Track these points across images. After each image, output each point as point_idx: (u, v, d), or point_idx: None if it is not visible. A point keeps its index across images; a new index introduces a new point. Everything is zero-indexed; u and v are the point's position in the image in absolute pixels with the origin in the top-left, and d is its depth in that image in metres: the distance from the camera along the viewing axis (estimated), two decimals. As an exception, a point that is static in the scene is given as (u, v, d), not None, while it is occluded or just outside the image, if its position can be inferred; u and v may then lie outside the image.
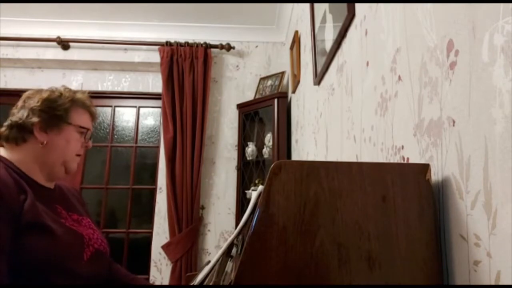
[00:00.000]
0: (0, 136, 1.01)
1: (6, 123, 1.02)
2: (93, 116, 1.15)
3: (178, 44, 2.95)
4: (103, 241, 1.06)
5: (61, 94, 1.06)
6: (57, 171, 1.04)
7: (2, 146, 1.01)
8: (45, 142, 1.00)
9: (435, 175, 0.63)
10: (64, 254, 0.90)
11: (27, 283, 0.84)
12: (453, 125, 0.58)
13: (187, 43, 2.96)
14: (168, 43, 2.95)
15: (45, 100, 1.02)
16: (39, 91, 1.06)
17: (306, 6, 2.00)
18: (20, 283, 0.83)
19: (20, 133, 0.99)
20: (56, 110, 1.03)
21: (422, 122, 0.69)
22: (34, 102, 1.01)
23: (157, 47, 2.97)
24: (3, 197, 0.83)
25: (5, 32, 2.98)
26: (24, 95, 1.05)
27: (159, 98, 3.03)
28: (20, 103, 1.04)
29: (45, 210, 0.93)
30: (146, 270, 2.91)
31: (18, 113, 1.01)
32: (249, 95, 3.09)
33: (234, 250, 0.75)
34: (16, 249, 0.83)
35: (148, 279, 2.87)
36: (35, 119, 0.99)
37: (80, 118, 1.08)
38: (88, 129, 1.10)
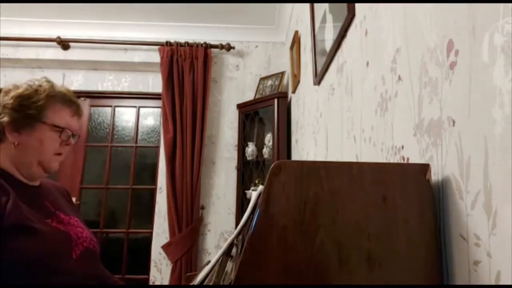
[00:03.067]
0: None
1: None
2: (75, 111, 1.06)
3: (178, 44, 2.95)
4: (92, 240, 1.03)
5: (37, 89, 0.99)
6: (35, 172, 0.99)
7: None
8: (16, 143, 0.95)
9: (435, 175, 0.63)
10: (51, 253, 0.88)
11: (15, 284, 0.83)
12: (453, 125, 0.58)
13: (187, 43, 2.96)
14: (168, 43, 2.95)
15: (18, 96, 0.96)
16: (17, 85, 1.00)
17: (306, 6, 2.00)
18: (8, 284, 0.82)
19: None
20: (28, 108, 0.96)
21: (422, 122, 0.69)
22: (8, 99, 0.96)
23: (157, 47, 2.97)
24: None
25: (5, 32, 2.97)
26: (3, 89, 0.99)
27: (159, 98, 3.03)
28: None
29: (29, 211, 0.90)
30: (146, 270, 2.91)
31: None
32: (249, 95, 3.09)
33: (234, 250, 0.75)
34: (1, 252, 0.81)
35: (148, 279, 2.87)
36: (6, 119, 0.94)
37: (57, 115, 1.00)
38: (64, 128, 1.01)
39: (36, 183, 1.03)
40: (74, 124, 1.05)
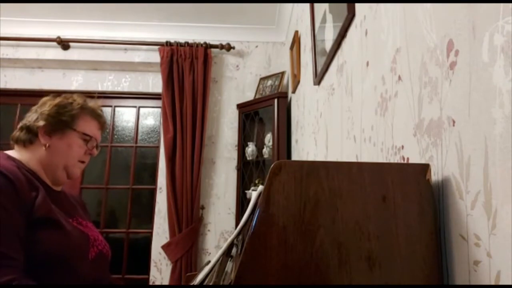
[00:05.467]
0: (11, 137, 1.06)
1: (19, 126, 1.08)
2: (101, 125, 1.18)
3: (178, 44, 2.95)
4: (106, 245, 1.10)
5: (72, 101, 1.10)
6: (59, 176, 1.06)
7: (13, 148, 1.06)
8: (47, 145, 1.03)
9: (435, 175, 0.63)
10: (72, 250, 0.93)
11: (33, 276, 0.85)
12: (453, 125, 0.58)
13: (187, 43, 2.96)
14: (168, 43, 2.95)
15: (55, 105, 1.07)
16: (55, 97, 1.11)
17: (306, 6, 2.00)
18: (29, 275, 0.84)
19: (27, 135, 1.04)
20: (63, 115, 1.07)
21: (422, 122, 0.69)
22: (46, 107, 1.06)
23: (157, 47, 2.97)
24: (17, 190, 0.86)
25: (5, 32, 2.98)
26: (41, 100, 1.10)
27: (159, 98, 3.03)
28: (35, 107, 1.09)
29: (55, 208, 0.96)
30: (146, 270, 2.91)
31: (29, 117, 1.07)
32: (249, 95, 3.09)
33: (234, 250, 0.75)
34: (27, 242, 0.85)
35: (148, 279, 2.87)
36: (41, 123, 1.04)
37: (86, 125, 1.11)
38: (91, 137, 1.12)
39: (58, 189, 1.09)
40: (99, 137, 1.17)
